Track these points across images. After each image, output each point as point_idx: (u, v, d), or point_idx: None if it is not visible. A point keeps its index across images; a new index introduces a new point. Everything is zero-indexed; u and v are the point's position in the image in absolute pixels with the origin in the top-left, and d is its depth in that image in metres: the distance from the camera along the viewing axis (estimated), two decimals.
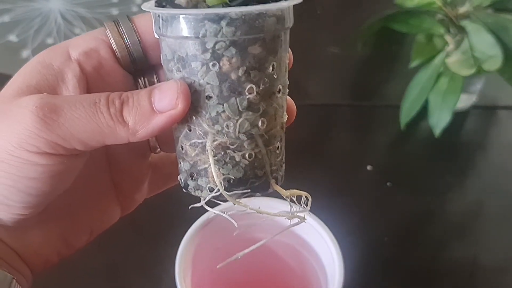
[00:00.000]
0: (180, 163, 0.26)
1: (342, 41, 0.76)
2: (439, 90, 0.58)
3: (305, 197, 0.26)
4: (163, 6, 0.24)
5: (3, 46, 0.74)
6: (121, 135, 0.23)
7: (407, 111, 0.60)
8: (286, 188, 0.26)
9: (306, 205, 0.26)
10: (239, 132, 0.24)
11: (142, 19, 0.26)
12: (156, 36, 0.25)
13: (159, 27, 0.24)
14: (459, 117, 0.63)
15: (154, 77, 0.28)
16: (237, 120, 0.24)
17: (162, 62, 0.25)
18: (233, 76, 0.23)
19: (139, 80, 0.28)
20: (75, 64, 0.25)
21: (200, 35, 0.23)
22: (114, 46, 0.26)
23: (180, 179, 0.26)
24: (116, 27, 0.26)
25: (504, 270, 0.52)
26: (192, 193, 0.26)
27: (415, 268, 0.52)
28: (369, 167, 0.60)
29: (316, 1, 0.87)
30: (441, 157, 0.62)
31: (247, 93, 0.24)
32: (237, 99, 0.24)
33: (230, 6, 0.23)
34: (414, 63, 0.60)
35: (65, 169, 0.24)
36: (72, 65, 0.25)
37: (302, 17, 0.86)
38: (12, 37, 0.75)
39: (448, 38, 0.58)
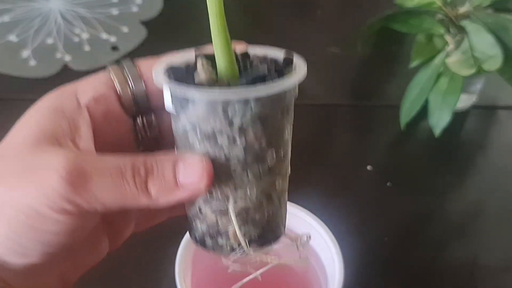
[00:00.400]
0: (195, 223, 0.27)
1: (342, 41, 0.76)
2: (439, 90, 0.58)
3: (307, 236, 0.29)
4: (179, 82, 0.24)
5: (3, 46, 0.74)
6: (143, 203, 0.24)
7: (407, 111, 0.60)
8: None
9: (307, 242, 0.29)
10: (260, 195, 0.25)
11: (147, 64, 0.27)
12: (170, 109, 0.25)
13: (179, 104, 0.24)
14: (459, 117, 0.63)
15: (152, 116, 0.28)
16: (258, 184, 0.25)
17: (176, 130, 0.25)
18: (256, 146, 0.24)
19: (137, 119, 0.28)
20: (85, 112, 0.25)
21: (228, 114, 0.23)
22: (120, 92, 0.26)
23: (195, 236, 0.27)
24: (122, 73, 0.27)
25: (504, 270, 0.52)
26: (210, 250, 0.27)
27: (415, 268, 0.52)
28: (369, 167, 0.60)
29: (316, 1, 0.87)
30: (441, 157, 0.62)
31: (268, 160, 0.25)
32: (259, 166, 0.25)
33: (252, 81, 0.23)
34: (414, 63, 0.60)
35: (84, 224, 0.25)
36: (83, 113, 0.25)
37: (303, 17, 0.86)
38: (12, 37, 0.75)
39: (448, 38, 0.58)
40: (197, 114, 0.23)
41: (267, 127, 0.24)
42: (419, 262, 0.52)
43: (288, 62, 0.26)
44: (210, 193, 0.25)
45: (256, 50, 0.27)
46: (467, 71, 0.55)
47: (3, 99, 0.67)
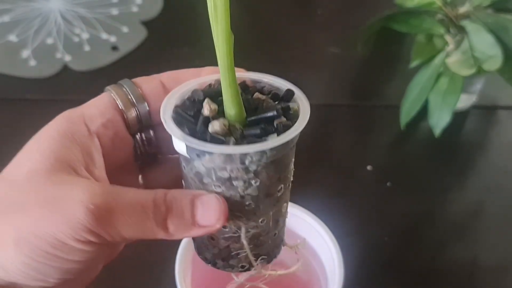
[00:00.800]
0: (206, 247, 0.28)
1: (342, 41, 0.76)
2: (439, 90, 0.58)
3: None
4: (193, 132, 0.24)
5: (3, 46, 0.74)
6: (160, 237, 0.25)
7: (407, 111, 0.60)
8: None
9: (303, 247, 0.31)
10: (269, 221, 0.27)
11: (148, 85, 0.28)
12: (183, 153, 0.25)
13: (195, 153, 0.25)
14: (459, 117, 0.63)
15: (151, 132, 0.29)
16: (268, 214, 0.27)
17: (188, 170, 0.26)
18: (268, 183, 0.26)
19: (136, 135, 0.29)
20: (96, 139, 0.26)
21: (246, 163, 0.24)
22: (125, 115, 0.27)
23: (205, 257, 0.29)
24: (125, 95, 0.27)
25: (504, 270, 0.52)
26: (221, 269, 0.28)
27: (415, 268, 0.52)
28: (369, 167, 0.60)
29: (316, 1, 0.87)
30: (441, 157, 0.62)
31: (278, 193, 0.27)
32: (271, 199, 0.26)
33: (261, 125, 0.25)
34: (414, 63, 0.60)
35: (103, 253, 0.26)
36: (94, 140, 0.26)
37: (303, 17, 0.86)
38: (12, 37, 0.75)
39: (448, 38, 0.58)
40: (214, 162, 0.24)
41: (278, 167, 0.26)
42: (419, 262, 0.52)
43: (290, 94, 0.27)
44: (224, 225, 0.26)
45: (253, 77, 0.28)
46: (467, 71, 0.55)
47: (3, 99, 0.67)
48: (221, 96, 0.25)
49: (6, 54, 0.73)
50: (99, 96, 0.28)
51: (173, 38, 0.77)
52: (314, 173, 0.59)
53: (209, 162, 0.24)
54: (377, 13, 0.63)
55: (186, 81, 0.28)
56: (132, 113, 0.27)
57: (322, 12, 0.83)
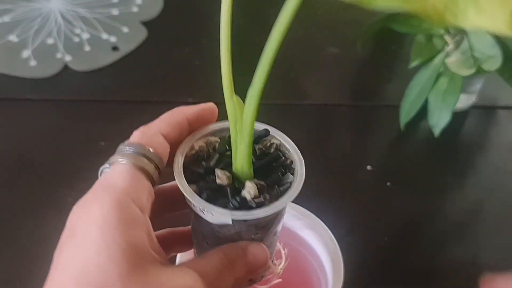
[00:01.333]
0: None
1: (342, 41, 0.76)
2: (439, 90, 0.58)
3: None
4: (232, 205, 0.26)
5: (3, 46, 0.74)
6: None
7: (407, 111, 0.61)
8: None
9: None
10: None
11: (155, 142, 0.29)
12: (224, 223, 0.27)
13: (243, 221, 0.27)
14: (459, 117, 0.64)
15: None
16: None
17: (224, 232, 0.28)
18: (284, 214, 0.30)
19: None
20: (147, 217, 0.27)
21: (282, 211, 0.28)
22: (153, 179, 0.28)
23: None
24: (150, 162, 0.28)
25: (504, 270, 0.52)
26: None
27: (415, 268, 0.52)
28: (369, 167, 0.60)
29: (316, 1, 0.87)
30: (441, 157, 0.62)
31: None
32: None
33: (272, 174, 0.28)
34: (414, 63, 0.60)
35: None
36: (147, 219, 0.27)
37: (302, 17, 0.86)
38: (12, 37, 0.75)
39: (447, 38, 0.58)
40: (258, 219, 0.27)
41: None
42: (419, 262, 0.52)
43: (267, 133, 0.29)
44: None
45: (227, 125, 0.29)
46: (466, 71, 0.55)
47: (3, 99, 0.67)
48: (221, 161, 0.28)
49: (6, 54, 0.73)
50: (125, 171, 0.27)
51: (173, 38, 0.77)
52: (314, 173, 0.59)
53: (253, 222, 0.27)
54: (377, 13, 0.63)
55: (179, 148, 0.29)
56: (156, 175, 0.28)
57: (322, 12, 0.83)
